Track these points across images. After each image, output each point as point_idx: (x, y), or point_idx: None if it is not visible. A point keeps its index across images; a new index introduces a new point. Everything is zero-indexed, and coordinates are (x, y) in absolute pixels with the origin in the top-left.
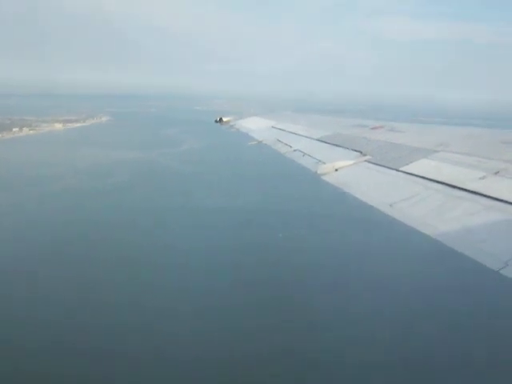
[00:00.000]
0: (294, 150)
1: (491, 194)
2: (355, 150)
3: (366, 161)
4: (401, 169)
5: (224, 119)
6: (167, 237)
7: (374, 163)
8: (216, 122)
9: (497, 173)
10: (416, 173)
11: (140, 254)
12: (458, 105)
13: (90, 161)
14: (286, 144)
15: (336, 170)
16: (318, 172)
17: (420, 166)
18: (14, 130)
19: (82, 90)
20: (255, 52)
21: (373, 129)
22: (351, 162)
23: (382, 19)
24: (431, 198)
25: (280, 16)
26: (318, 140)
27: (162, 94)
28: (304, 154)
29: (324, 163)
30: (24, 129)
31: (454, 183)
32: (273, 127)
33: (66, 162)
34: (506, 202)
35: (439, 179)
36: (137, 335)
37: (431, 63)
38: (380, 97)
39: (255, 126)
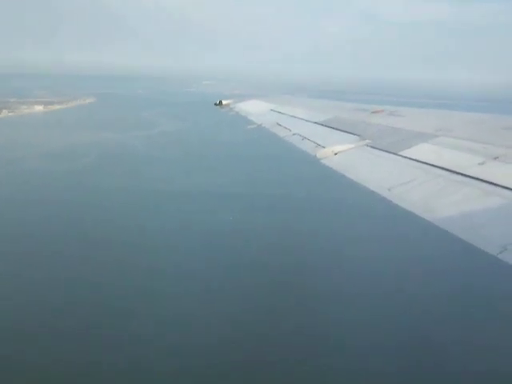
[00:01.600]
0: (294, 134)
1: (490, 180)
2: (355, 134)
3: (365, 145)
4: (400, 153)
5: (224, 102)
6: (116, 219)
7: (374, 147)
8: (216, 104)
9: (496, 158)
10: (415, 157)
11: (72, 235)
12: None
13: (56, 143)
14: (286, 128)
15: (335, 153)
16: (317, 156)
17: (419, 151)
18: None
19: (73, 71)
20: (256, 36)
21: (373, 113)
22: (351, 146)
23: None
24: (430, 182)
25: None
26: (318, 124)
27: (153, 76)
28: (303, 137)
29: (323, 147)
30: (3, 111)
31: (453, 168)
32: (272, 110)
33: (32, 144)
34: (504, 187)
35: (438, 164)
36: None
37: (440, 44)
38: (381, 81)
39: (254, 109)
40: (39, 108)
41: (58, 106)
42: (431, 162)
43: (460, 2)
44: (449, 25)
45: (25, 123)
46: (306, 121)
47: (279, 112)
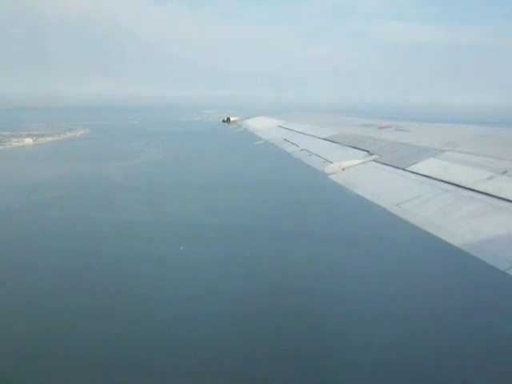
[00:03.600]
0: (301, 150)
1: (499, 194)
2: (362, 150)
3: (373, 160)
4: (408, 168)
5: (231, 119)
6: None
7: (381, 163)
8: (223, 121)
9: (504, 172)
10: (423, 172)
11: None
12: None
13: (30, 176)
14: (293, 143)
15: (343, 169)
16: (325, 171)
17: (427, 166)
18: None
19: (75, 103)
20: (248, 58)
21: (380, 128)
22: (358, 162)
23: (380, 23)
24: (438, 197)
25: (276, 20)
26: (325, 139)
27: (153, 105)
28: (311, 153)
29: (331, 162)
30: None
31: (461, 183)
32: (280, 127)
33: (5, 176)
34: None
35: (446, 179)
36: None
37: (436, 65)
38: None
39: (262, 125)
40: (29, 141)
41: (49, 139)
42: (439, 177)
43: (451, 23)
44: (440, 46)
45: (9, 156)
46: (314, 136)
47: (287, 128)
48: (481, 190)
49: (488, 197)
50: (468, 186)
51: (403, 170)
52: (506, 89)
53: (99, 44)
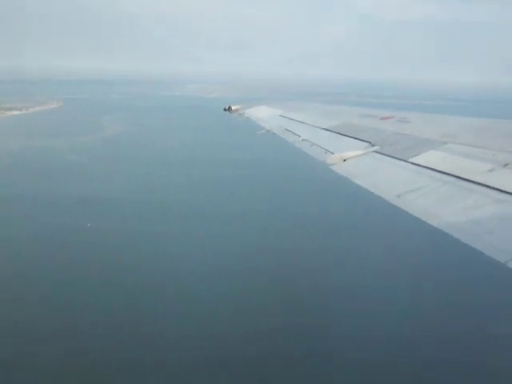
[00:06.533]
0: (303, 140)
1: (499, 187)
2: (364, 141)
3: (374, 151)
4: (409, 160)
5: (233, 107)
6: None
7: (383, 154)
8: (225, 110)
9: (505, 165)
10: (424, 164)
11: None
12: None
13: None
14: (295, 133)
15: (344, 160)
16: (327, 162)
17: (428, 158)
18: None
19: (63, 76)
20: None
21: (382, 119)
22: (360, 153)
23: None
24: (439, 189)
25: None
26: (327, 130)
27: (140, 80)
28: (312, 143)
29: (332, 153)
30: None
31: (462, 175)
32: (281, 116)
33: None
34: None
35: (447, 171)
36: None
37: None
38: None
39: (263, 114)
40: None
41: (15, 112)
42: (440, 169)
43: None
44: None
45: None
46: (315, 127)
47: (288, 118)
48: (482, 182)
49: (489, 189)
50: (469, 178)
51: (405, 161)
52: (506, 68)
53: (85, 16)
